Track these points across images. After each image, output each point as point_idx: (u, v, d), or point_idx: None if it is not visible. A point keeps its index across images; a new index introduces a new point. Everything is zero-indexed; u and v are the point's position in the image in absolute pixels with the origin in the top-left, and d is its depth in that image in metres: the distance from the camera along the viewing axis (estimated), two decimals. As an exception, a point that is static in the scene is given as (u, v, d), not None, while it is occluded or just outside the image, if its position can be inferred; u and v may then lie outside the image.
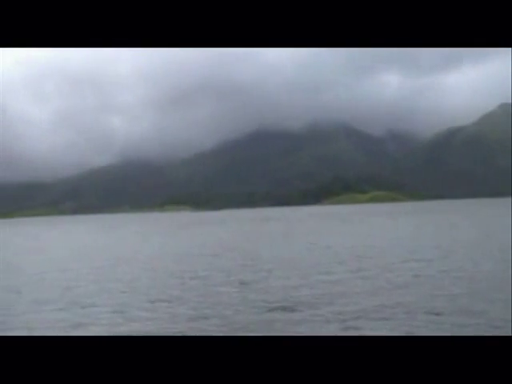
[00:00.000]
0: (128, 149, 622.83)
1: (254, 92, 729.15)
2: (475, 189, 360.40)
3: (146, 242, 49.80)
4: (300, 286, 19.13)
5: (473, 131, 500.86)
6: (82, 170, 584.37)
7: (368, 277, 20.33)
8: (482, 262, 23.34)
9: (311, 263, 25.64)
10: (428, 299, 15.60)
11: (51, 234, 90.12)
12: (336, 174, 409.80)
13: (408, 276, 20.12)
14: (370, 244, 35.28)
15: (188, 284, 20.79)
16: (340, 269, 23.07)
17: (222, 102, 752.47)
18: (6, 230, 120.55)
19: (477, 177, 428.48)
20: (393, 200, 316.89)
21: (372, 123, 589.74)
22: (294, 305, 15.63)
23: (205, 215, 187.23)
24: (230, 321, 13.96)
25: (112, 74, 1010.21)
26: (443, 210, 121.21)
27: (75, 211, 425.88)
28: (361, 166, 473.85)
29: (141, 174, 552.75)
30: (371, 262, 24.77)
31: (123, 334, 12.27)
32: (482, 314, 13.32)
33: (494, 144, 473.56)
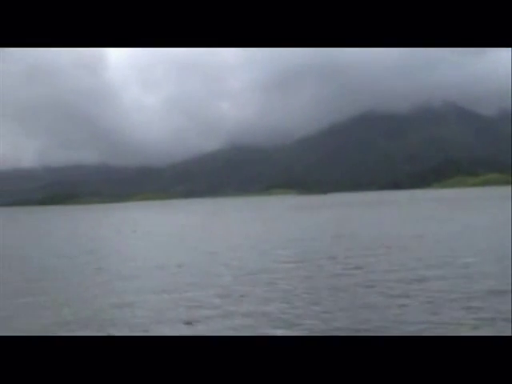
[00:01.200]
0: (235, 134, 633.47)
1: (360, 74, 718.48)
2: None
3: (256, 226, 49.14)
4: (409, 278, 17.37)
5: None
6: (192, 155, 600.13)
7: (483, 274, 17.54)
8: None
9: (423, 253, 23.31)
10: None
11: (165, 216, 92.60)
12: (446, 156, 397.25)
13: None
14: (488, 233, 31.42)
15: (295, 272, 19.91)
16: (448, 261, 20.41)
17: (328, 85, 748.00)
18: (122, 213, 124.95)
19: None
20: (508, 183, 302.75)
21: (483, 103, 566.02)
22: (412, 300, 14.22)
23: (311, 199, 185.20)
24: (340, 316, 12.83)
25: (219, 60, 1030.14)
26: None
27: (185, 195, 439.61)
28: (472, 147, 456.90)
29: (248, 158, 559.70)
30: (489, 256, 21.47)
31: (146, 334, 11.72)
32: None
33: None
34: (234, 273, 20.18)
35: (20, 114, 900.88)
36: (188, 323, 12.74)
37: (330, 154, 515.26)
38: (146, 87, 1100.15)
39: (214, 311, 13.91)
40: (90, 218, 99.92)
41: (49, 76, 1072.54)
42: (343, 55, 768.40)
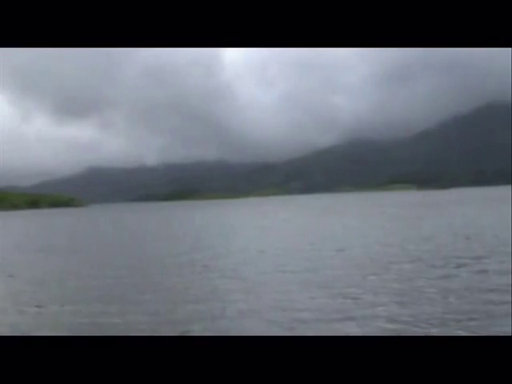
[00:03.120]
0: (352, 128, 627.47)
1: (483, 62, 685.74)
2: None
3: (376, 223, 47.55)
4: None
5: None
6: (308, 150, 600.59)
7: None
8: None
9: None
10: None
11: (286, 212, 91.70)
12: None
13: None
14: None
15: (417, 269, 19.50)
16: None
17: (447, 76, 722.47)
18: (246, 208, 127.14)
19: None
20: None
21: None
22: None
23: (432, 194, 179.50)
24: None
25: (332, 55, 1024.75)
26: None
27: (301, 191, 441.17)
28: None
29: (364, 153, 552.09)
30: None
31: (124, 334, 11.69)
32: None
33: None
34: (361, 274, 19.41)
35: (143, 113, 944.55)
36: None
37: (451, 147, 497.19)
38: (261, 85, 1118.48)
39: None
40: (216, 214, 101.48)
41: (169, 76, 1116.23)
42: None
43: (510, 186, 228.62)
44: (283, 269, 21.49)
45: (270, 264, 23.29)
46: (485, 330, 11.17)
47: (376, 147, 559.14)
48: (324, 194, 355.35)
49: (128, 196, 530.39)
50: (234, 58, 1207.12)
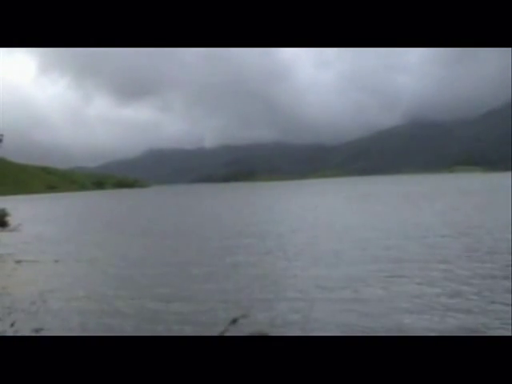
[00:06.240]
0: (414, 109, 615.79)
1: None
2: None
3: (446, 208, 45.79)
4: None
5: None
6: (369, 131, 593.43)
7: None
8: None
9: None
10: None
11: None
12: None
13: None
14: None
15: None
16: None
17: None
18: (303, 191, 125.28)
19: None
20: None
21: None
22: None
23: (499, 177, 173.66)
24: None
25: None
26: None
27: (361, 173, 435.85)
28: None
29: (428, 134, 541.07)
30: None
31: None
32: None
33: None
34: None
35: (202, 95, 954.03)
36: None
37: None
38: (319, 65, 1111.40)
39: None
40: (284, 196, 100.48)
41: (227, 58, 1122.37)
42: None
43: None
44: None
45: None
46: None
47: (439, 128, 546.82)
48: (385, 176, 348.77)
49: (187, 177, 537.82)
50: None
